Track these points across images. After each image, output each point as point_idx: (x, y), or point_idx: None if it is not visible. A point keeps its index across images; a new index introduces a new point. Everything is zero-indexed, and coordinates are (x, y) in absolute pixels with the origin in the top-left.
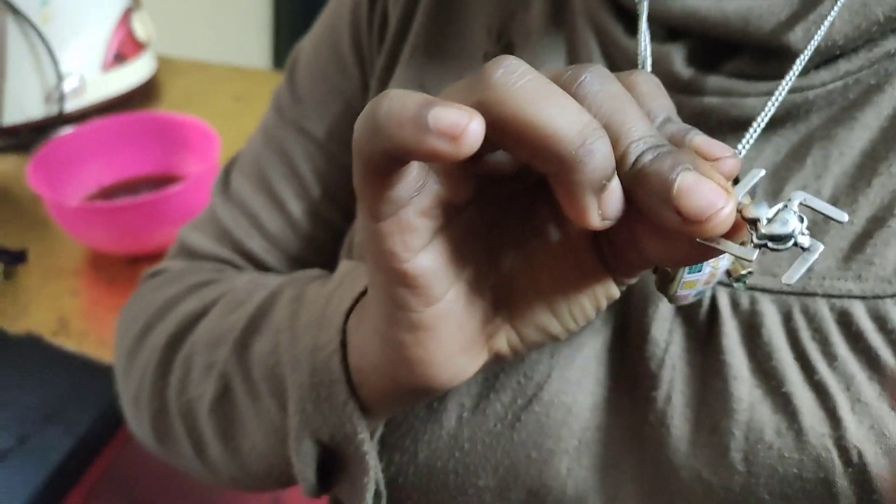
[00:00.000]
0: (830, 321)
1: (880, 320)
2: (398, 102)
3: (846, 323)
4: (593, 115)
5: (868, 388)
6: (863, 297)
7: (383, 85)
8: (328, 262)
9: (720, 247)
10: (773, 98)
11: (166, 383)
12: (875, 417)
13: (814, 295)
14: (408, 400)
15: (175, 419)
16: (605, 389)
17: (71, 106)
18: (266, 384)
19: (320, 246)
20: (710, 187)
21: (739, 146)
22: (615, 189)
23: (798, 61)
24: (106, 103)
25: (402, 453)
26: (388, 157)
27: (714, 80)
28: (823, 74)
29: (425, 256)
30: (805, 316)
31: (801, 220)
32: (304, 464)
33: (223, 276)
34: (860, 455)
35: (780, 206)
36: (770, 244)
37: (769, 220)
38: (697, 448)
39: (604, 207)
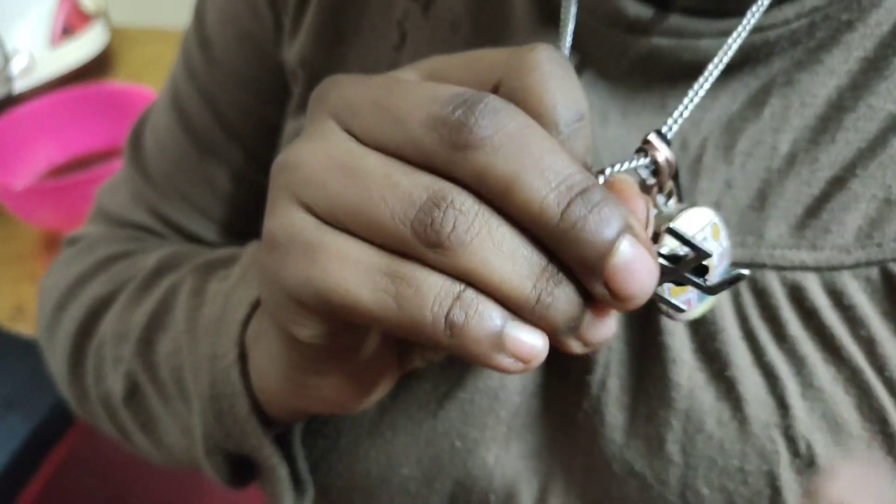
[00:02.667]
0: (781, 296)
1: (835, 295)
2: (475, 314)
3: (798, 298)
4: (492, 172)
5: (822, 371)
6: (817, 269)
7: (296, 25)
8: (258, 225)
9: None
10: (731, 38)
11: (83, 371)
12: (828, 404)
13: (763, 267)
14: (318, 415)
15: (96, 406)
16: (535, 373)
17: (22, 85)
18: (173, 385)
19: (246, 208)
20: (647, 266)
21: (686, 100)
22: (589, 324)
23: None
24: (58, 79)
25: (324, 439)
26: (436, 348)
27: (665, 19)
28: (787, 11)
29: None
30: (753, 291)
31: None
32: (216, 469)
33: (139, 246)
34: (809, 446)
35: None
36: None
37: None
38: (632, 438)
39: (584, 340)
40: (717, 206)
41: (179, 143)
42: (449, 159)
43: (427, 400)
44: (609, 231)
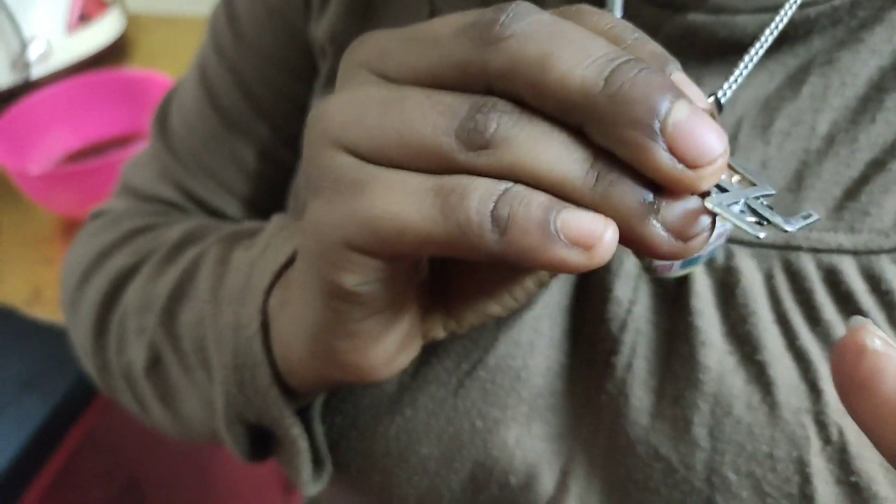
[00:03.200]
0: (816, 279)
1: (873, 279)
2: (521, 205)
3: (834, 282)
4: (525, 56)
5: None
6: (854, 253)
7: (325, 1)
8: (283, 203)
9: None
10: (778, 18)
11: (106, 342)
12: None
13: (798, 249)
14: (340, 385)
15: (117, 378)
16: (560, 353)
17: (39, 71)
18: (196, 356)
19: (272, 185)
20: (710, 124)
21: (726, 84)
22: (668, 205)
23: None
24: (75, 66)
25: (343, 416)
26: (489, 257)
27: None
28: None
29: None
30: (787, 273)
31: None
32: (235, 441)
33: (163, 220)
34: (840, 432)
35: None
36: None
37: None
38: (657, 421)
39: (670, 225)
40: None
41: (207, 120)
42: (483, 59)
43: (448, 378)
44: (661, 90)
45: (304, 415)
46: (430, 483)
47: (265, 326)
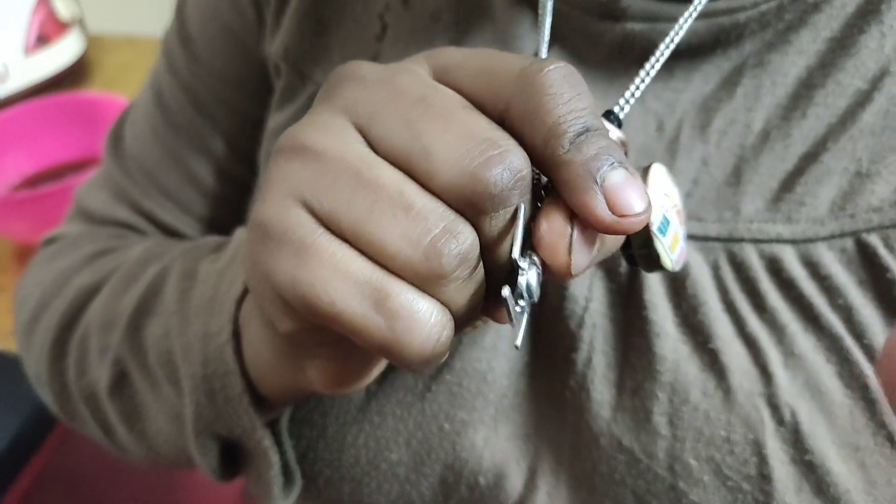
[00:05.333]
0: (759, 268)
1: (812, 265)
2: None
3: (776, 270)
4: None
5: (802, 339)
6: (793, 242)
7: (278, 18)
8: (241, 221)
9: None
10: (673, 33)
11: (64, 366)
12: (809, 372)
13: (741, 241)
14: (310, 396)
15: (77, 402)
16: (522, 353)
17: None
18: (162, 370)
19: (229, 204)
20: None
21: (622, 100)
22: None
23: None
24: (33, 88)
25: (311, 427)
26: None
27: (638, 3)
28: None
29: None
30: (732, 264)
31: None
32: (205, 456)
33: (122, 243)
34: (793, 413)
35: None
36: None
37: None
38: (619, 413)
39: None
40: (694, 184)
41: (162, 140)
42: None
43: (415, 383)
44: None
45: (272, 429)
46: (400, 489)
47: (236, 336)
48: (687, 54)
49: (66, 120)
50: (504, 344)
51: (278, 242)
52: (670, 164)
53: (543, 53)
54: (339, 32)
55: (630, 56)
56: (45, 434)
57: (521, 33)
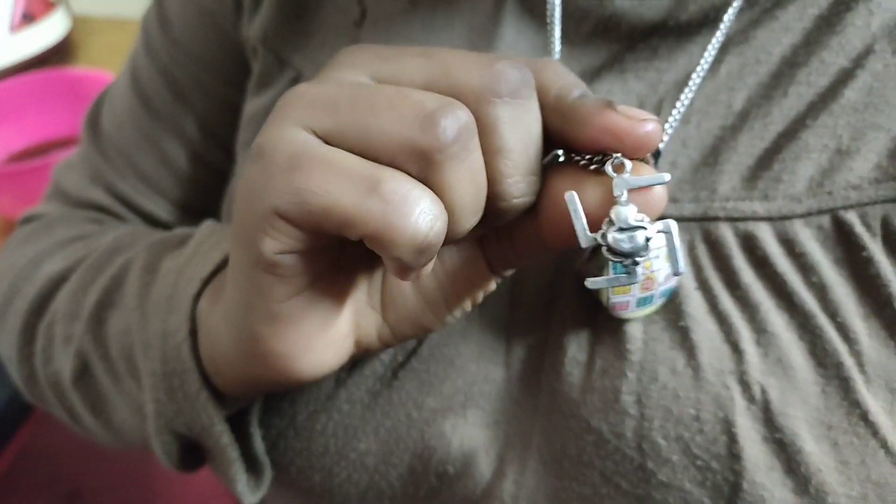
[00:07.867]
0: (734, 246)
1: (787, 243)
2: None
3: (750, 247)
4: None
5: (775, 317)
6: (769, 219)
7: (257, 2)
8: (216, 206)
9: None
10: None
11: (32, 351)
12: (781, 349)
13: (717, 219)
14: (268, 389)
15: (45, 388)
16: (491, 338)
17: None
18: (124, 364)
19: (204, 188)
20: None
21: (694, 75)
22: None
23: None
24: (18, 66)
25: (280, 417)
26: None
27: None
28: None
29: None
30: (707, 243)
31: (646, 248)
32: (164, 450)
33: (96, 228)
34: (763, 391)
35: (642, 222)
36: (611, 256)
37: (622, 230)
38: (588, 394)
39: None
40: (673, 166)
41: (138, 122)
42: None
43: (383, 371)
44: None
45: (240, 420)
46: (369, 479)
47: (193, 333)
48: (674, 33)
49: (53, 96)
50: (474, 328)
51: (276, 160)
52: None
53: (555, 53)
54: (318, 17)
55: (614, 33)
56: (26, 413)
57: (501, 19)
